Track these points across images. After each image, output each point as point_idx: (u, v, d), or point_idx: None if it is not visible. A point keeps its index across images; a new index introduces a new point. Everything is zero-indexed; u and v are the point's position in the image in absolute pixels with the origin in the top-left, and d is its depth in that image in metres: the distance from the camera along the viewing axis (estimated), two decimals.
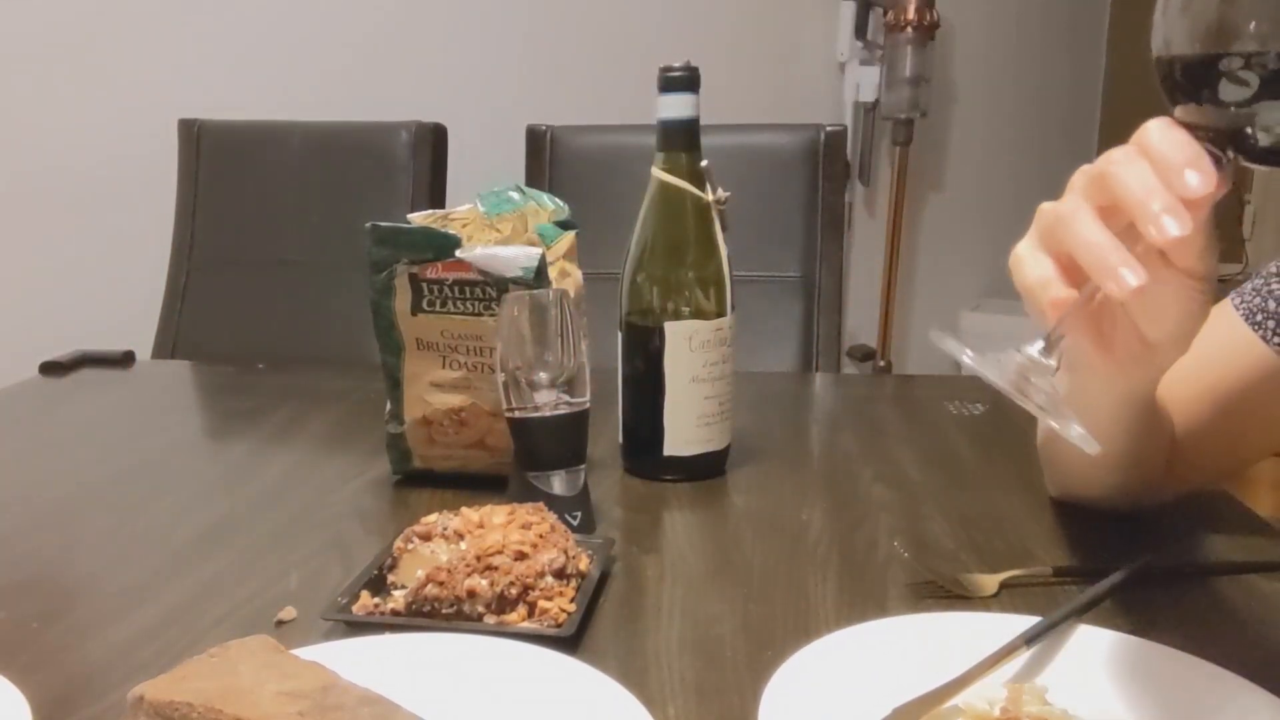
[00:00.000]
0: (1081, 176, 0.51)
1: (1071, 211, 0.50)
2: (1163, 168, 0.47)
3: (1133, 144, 0.49)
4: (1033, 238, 0.53)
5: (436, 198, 1.63)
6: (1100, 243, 0.48)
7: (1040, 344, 0.52)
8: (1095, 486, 0.76)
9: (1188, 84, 0.48)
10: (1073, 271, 0.51)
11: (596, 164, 1.60)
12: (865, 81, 2.68)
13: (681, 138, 0.83)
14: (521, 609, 0.60)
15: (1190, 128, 0.48)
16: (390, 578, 0.64)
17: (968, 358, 0.52)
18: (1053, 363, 0.52)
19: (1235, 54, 0.47)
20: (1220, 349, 0.72)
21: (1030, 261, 0.52)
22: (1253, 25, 0.46)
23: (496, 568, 0.60)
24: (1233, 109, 0.47)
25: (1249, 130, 0.47)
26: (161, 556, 0.73)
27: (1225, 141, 0.49)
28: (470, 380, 0.82)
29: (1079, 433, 0.50)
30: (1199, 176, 0.46)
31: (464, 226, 0.85)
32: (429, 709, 0.48)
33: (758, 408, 1.06)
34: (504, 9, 2.63)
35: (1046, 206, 0.52)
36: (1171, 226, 0.46)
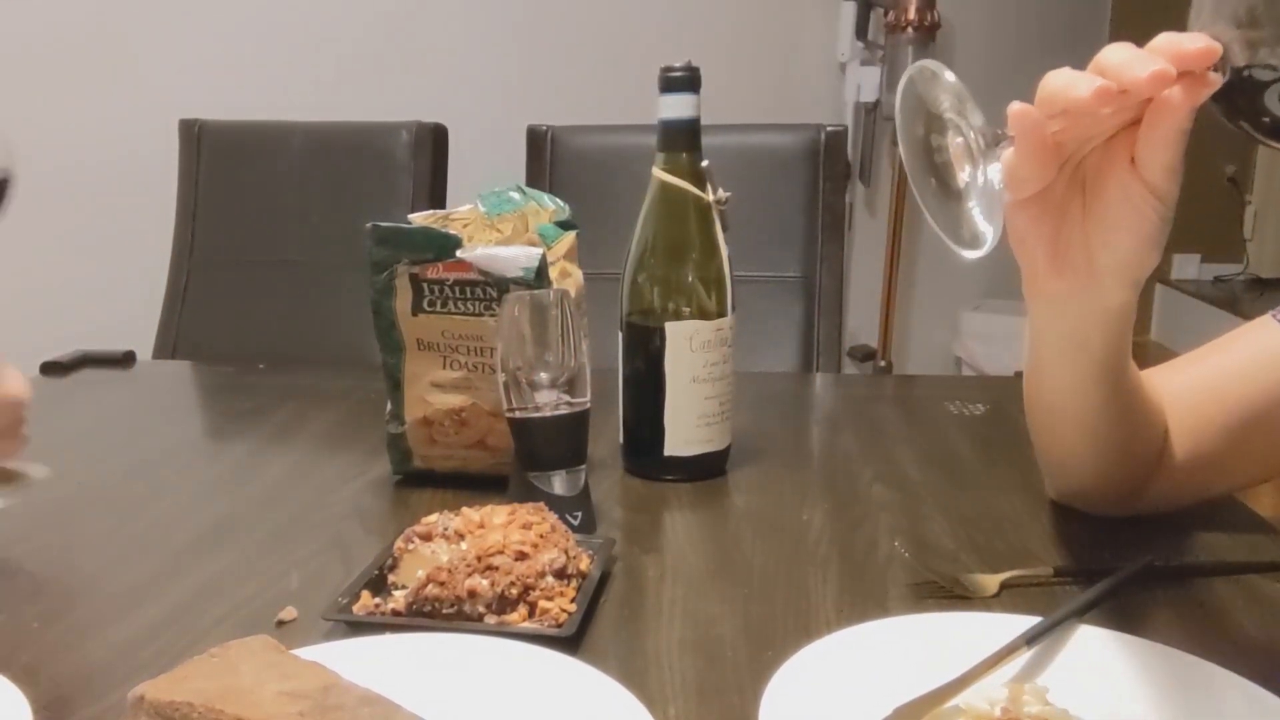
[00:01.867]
0: None
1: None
2: (1157, 46, 0.50)
3: None
4: None
5: (437, 198, 1.63)
6: (1071, 75, 0.51)
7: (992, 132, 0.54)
8: (1076, 472, 0.76)
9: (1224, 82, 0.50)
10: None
11: (597, 164, 1.60)
12: (866, 82, 2.68)
13: (682, 138, 0.83)
14: (522, 609, 0.60)
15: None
16: (391, 578, 0.64)
17: (950, 76, 0.54)
18: (992, 145, 0.54)
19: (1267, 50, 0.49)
20: (1254, 360, 0.72)
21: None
22: None
23: (497, 568, 0.60)
24: (1260, 90, 0.49)
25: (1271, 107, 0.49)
26: (162, 556, 0.73)
27: (1246, 114, 0.50)
28: (471, 380, 0.82)
29: (975, 224, 0.54)
30: (1198, 41, 0.49)
31: (465, 226, 0.85)
32: (429, 709, 0.48)
33: (758, 408, 1.06)
34: (504, 9, 2.63)
35: None
36: (1155, 66, 0.49)
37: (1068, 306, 0.64)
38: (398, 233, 0.80)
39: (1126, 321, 0.65)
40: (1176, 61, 0.49)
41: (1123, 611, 0.62)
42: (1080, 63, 0.52)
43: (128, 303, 1.88)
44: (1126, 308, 0.63)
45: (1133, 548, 0.72)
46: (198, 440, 1.06)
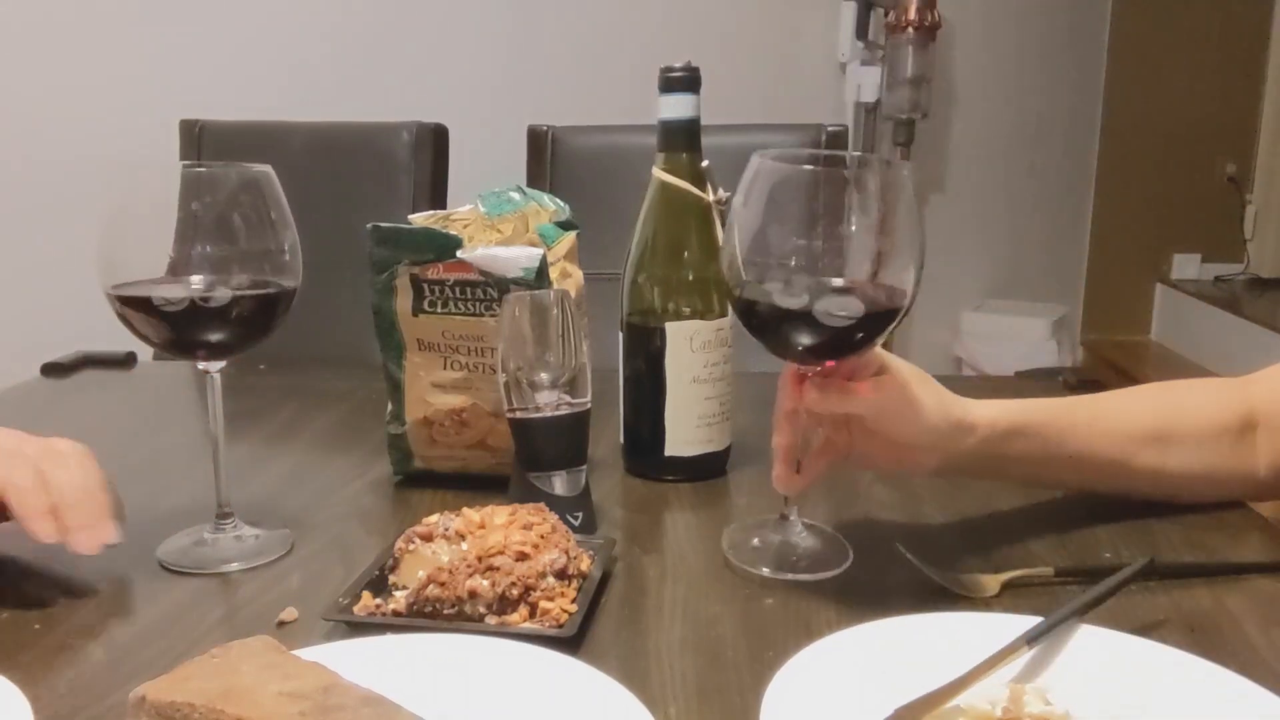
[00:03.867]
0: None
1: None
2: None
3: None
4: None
5: (437, 198, 1.63)
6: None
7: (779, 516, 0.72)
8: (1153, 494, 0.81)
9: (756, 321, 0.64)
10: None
11: (597, 164, 1.60)
12: (866, 82, 2.68)
13: (682, 138, 0.83)
14: (523, 609, 0.60)
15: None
16: (391, 578, 0.64)
17: None
18: (792, 517, 0.73)
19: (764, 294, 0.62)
20: None
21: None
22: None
23: (498, 568, 0.60)
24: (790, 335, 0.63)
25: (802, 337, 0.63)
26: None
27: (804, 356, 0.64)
28: (471, 381, 0.82)
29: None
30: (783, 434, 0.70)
31: (465, 227, 0.85)
32: (430, 709, 0.48)
33: (758, 408, 1.05)
34: (504, 9, 2.63)
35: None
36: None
37: (910, 470, 0.73)
38: (398, 233, 0.80)
39: (1013, 443, 0.72)
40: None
41: (1123, 611, 0.62)
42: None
43: None
44: (985, 444, 0.70)
45: (1133, 548, 0.72)
46: (198, 441, 1.05)
